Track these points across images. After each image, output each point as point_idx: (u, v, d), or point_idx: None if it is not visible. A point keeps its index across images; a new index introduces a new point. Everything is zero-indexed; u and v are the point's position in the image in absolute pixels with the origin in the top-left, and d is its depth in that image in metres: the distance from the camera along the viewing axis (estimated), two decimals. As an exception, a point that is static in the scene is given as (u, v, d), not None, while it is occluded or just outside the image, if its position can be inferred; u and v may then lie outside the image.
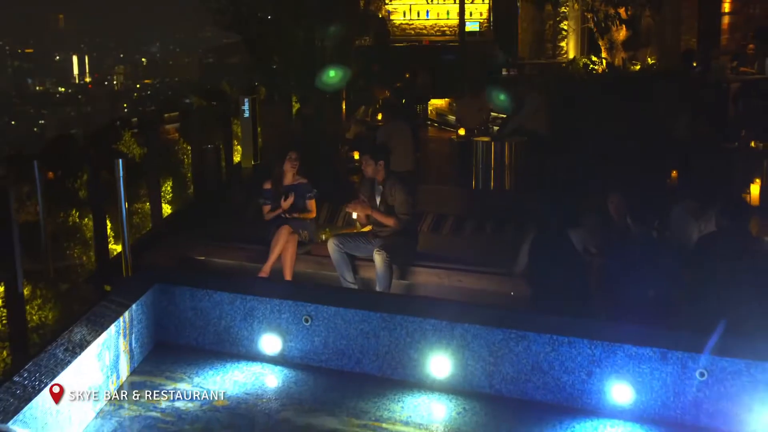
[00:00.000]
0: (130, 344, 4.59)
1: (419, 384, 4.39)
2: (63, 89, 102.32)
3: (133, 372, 4.58)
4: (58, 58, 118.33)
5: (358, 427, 4.02)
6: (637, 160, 7.54)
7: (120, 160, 5.13)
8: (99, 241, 5.86)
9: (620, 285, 4.57)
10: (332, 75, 7.43)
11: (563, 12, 16.67)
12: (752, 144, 8.80)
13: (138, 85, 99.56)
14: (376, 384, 4.42)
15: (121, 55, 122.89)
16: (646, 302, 4.52)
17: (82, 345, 4.08)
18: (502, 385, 4.27)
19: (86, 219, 6.79)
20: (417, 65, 14.61)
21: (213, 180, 8.12)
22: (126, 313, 4.54)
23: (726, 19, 15.01)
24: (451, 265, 6.12)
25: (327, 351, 4.60)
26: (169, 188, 8.07)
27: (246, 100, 9.23)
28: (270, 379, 4.57)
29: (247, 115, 9.20)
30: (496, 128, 10.61)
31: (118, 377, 4.42)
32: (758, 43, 12.09)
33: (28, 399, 3.57)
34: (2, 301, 5.53)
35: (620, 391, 4.02)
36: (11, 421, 3.41)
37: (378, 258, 5.93)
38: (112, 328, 4.36)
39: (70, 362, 3.92)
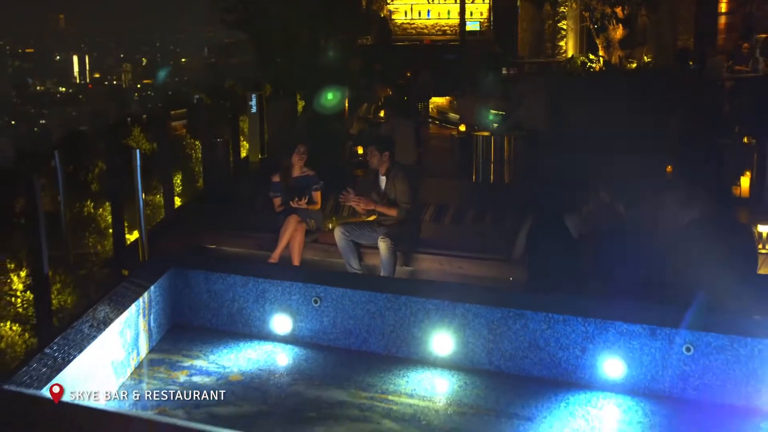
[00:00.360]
0: (149, 324, 4.83)
1: (423, 361, 4.62)
2: (63, 89, 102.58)
3: (152, 350, 4.82)
4: (58, 58, 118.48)
5: (365, 399, 4.25)
6: (632, 153, 7.77)
7: (137, 151, 5.41)
8: (117, 229, 6.13)
9: (612, 267, 4.81)
10: (330, 98, 7.61)
11: (562, 12, 16.91)
12: (745, 140, 9.05)
13: (139, 85, 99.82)
14: (382, 361, 4.65)
15: (122, 55, 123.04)
16: (637, 284, 4.77)
17: (106, 322, 4.32)
18: (501, 362, 4.50)
19: (101, 209, 7.04)
20: (418, 64, 14.85)
21: (223, 172, 8.39)
22: (145, 294, 4.77)
23: (723, 19, 15.26)
24: (452, 252, 6.37)
25: (335, 330, 4.84)
26: (178, 181, 8.32)
27: (253, 95, 9.48)
28: (281, 357, 4.81)
29: (254, 110, 9.45)
30: (495, 125, 10.86)
31: (138, 354, 4.66)
32: (752, 43, 12.37)
33: (59, 369, 3.81)
34: (23, 285, 5.79)
35: (612, 366, 4.25)
36: (44, 389, 3.67)
37: (382, 245, 6.17)
38: (133, 307, 4.60)
39: (95, 337, 4.17)
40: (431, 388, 4.43)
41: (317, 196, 6.82)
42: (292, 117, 10.25)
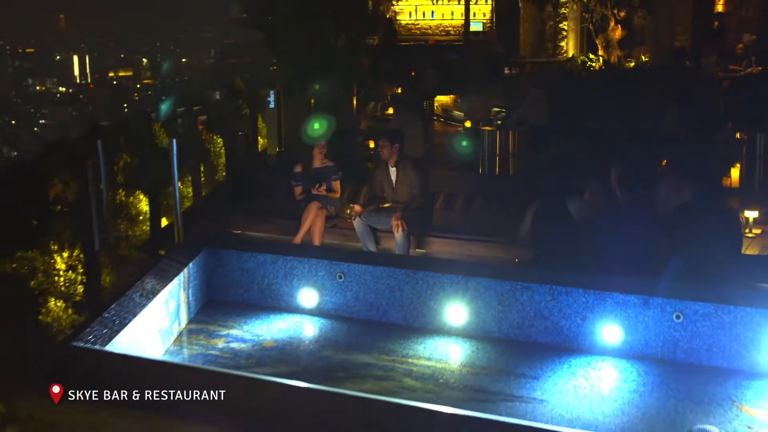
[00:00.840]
0: (188, 297, 5.30)
1: (438, 330, 5.08)
2: (64, 89, 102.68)
3: (191, 321, 5.29)
4: (58, 58, 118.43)
5: (387, 362, 4.72)
6: (629, 147, 8.20)
7: (174, 140, 5.87)
8: (153, 213, 6.62)
9: (609, 245, 5.26)
10: (316, 127, 7.93)
11: (563, 13, 17.30)
12: (738, 135, 9.49)
13: (138, 85, 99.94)
14: (402, 330, 5.12)
15: (122, 55, 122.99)
16: (631, 260, 5.21)
17: (153, 292, 4.80)
18: (509, 330, 4.96)
19: (131, 198, 7.48)
20: (423, 64, 15.23)
21: (244, 164, 8.87)
22: (185, 270, 5.25)
23: (719, 20, 15.69)
24: (462, 236, 6.82)
25: (358, 303, 5.31)
26: (200, 172, 8.76)
27: (272, 92, 9.94)
28: (309, 327, 5.28)
29: (272, 106, 9.91)
30: (498, 122, 11.30)
31: (179, 324, 5.14)
32: (745, 43, 12.84)
33: (117, 331, 4.29)
34: (65, 265, 6.23)
35: (609, 333, 4.72)
36: (107, 346, 4.14)
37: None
38: (175, 281, 5.07)
39: (145, 305, 4.64)
40: (446, 353, 4.90)
41: (337, 185, 7.30)
42: (307, 113, 10.68)
